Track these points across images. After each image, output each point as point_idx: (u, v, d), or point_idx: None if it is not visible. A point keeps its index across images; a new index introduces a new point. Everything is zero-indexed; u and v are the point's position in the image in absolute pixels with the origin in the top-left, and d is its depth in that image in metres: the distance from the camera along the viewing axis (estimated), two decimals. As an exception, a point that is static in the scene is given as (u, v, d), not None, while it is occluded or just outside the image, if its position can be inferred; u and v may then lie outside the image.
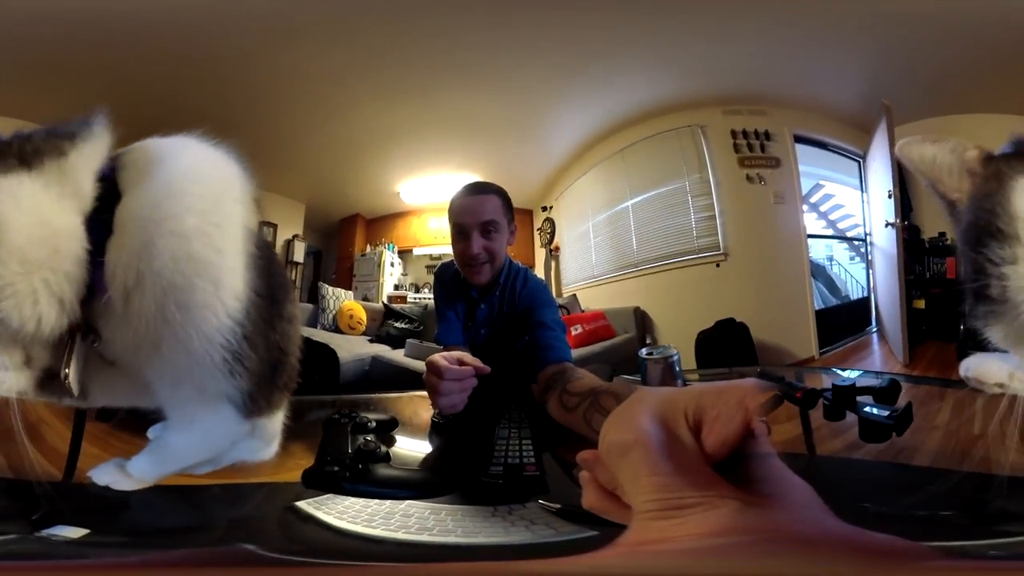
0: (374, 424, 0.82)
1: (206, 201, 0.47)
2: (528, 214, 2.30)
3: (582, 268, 2.22)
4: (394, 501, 0.66)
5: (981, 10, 1.47)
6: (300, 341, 0.65)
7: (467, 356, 0.94)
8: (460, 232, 1.18)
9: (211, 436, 0.56)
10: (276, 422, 0.68)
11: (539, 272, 2.30)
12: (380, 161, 2.24)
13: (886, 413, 0.82)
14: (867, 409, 0.83)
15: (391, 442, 0.86)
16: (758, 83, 1.77)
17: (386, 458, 0.72)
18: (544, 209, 2.30)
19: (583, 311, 2.07)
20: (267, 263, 0.53)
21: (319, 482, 0.69)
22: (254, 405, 0.54)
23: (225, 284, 0.46)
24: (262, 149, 2.26)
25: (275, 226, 2.34)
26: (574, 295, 2.14)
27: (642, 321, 1.96)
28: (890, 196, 1.65)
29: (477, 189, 1.22)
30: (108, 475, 0.59)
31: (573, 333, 1.82)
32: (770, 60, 1.70)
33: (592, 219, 2.18)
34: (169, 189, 0.47)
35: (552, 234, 2.29)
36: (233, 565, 0.56)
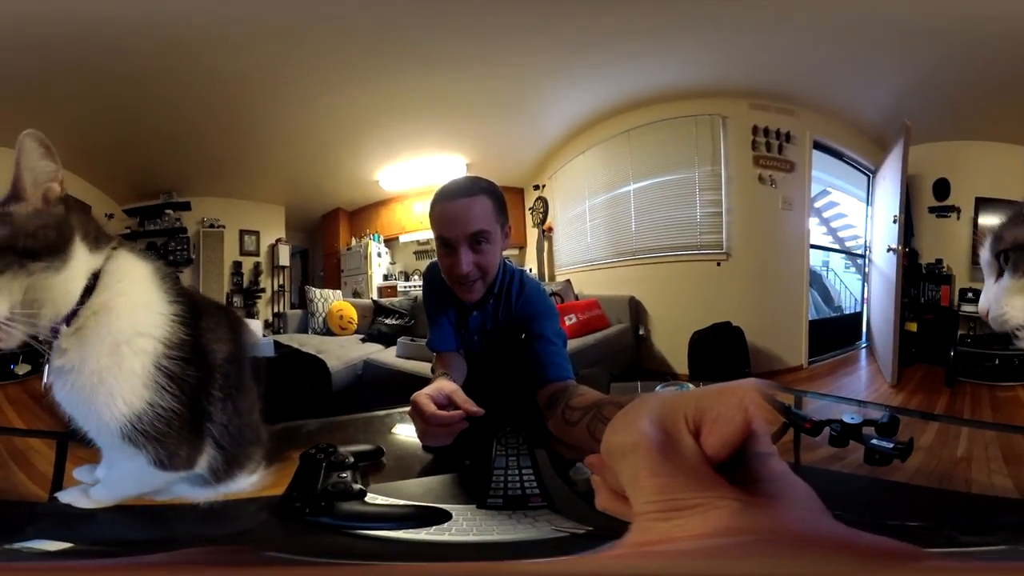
0: (351, 460, 0.80)
1: (121, 341, 0.66)
2: (519, 193, 2.27)
3: (576, 251, 2.22)
4: (374, 529, 0.68)
5: (1010, 44, 1.54)
6: (241, 409, 0.77)
7: (458, 394, 0.88)
8: (445, 245, 1.05)
9: (136, 479, 0.71)
10: (225, 470, 0.76)
11: (531, 253, 2.31)
12: (354, 150, 2.17)
13: (891, 445, 0.93)
14: (874, 441, 0.92)
15: (380, 468, 0.86)
16: (793, 81, 1.77)
17: (360, 495, 0.73)
18: (536, 188, 2.28)
19: (577, 297, 2.09)
20: (188, 364, 0.70)
21: (282, 515, 0.71)
22: (170, 463, 0.69)
23: (119, 397, 0.65)
24: (231, 159, 2.15)
25: (257, 233, 2.37)
26: (568, 280, 2.15)
27: (636, 312, 2.00)
28: (895, 221, 1.72)
29: (462, 190, 1.06)
30: (71, 496, 0.74)
31: (567, 323, 1.84)
32: (810, 59, 1.70)
33: (589, 200, 2.17)
34: (107, 329, 0.66)
35: (544, 214, 2.27)
36: (237, 565, 0.58)
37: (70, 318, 0.64)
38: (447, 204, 1.06)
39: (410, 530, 0.67)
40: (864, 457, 0.93)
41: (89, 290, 0.65)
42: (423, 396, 0.87)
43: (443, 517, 0.69)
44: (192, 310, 0.73)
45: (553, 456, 0.85)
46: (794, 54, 1.69)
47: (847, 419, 0.96)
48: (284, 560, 0.61)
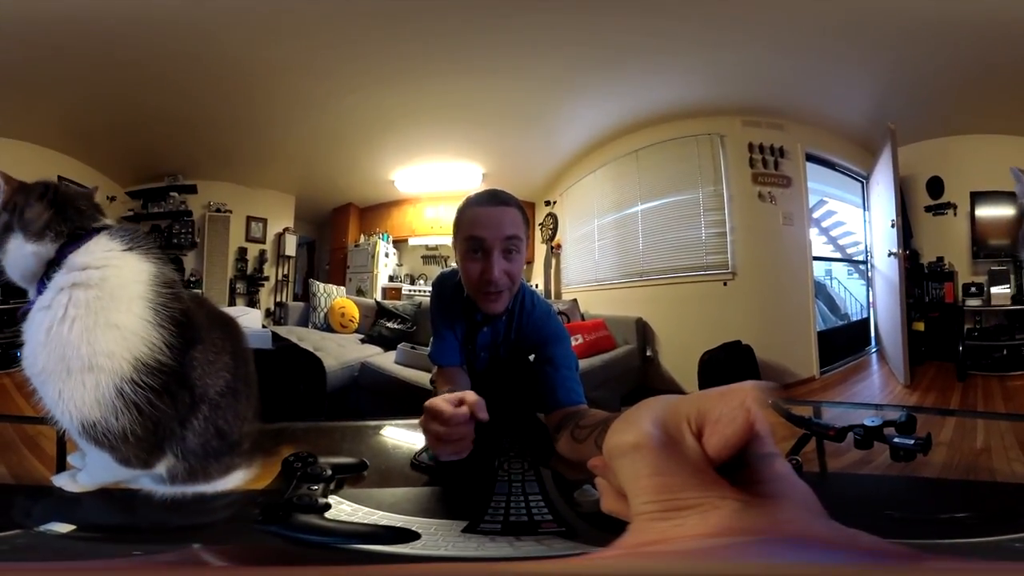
0: (328, 473, 0.80)
1: (71, 355, 0.65)
2: (531, 207, 2.35)
3: (584, 270, 2.30)
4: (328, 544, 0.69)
5: (985, 35, 1.67)
6: (224, 431, 0.78)
7: (469, 395, 0.86)
8: (476, 249, 1.04)
9: (106, 468, 0.72)
10: (185, 477, 0.76)
11: (539, 269, 2.39)
12: (373, 149, 2.26)
13: (911, 442, 1.01)
14: (896, 440, 1.01)
15: (359, 481, 0.85)
16: (779, 96, 1.89)
17: (323, 508, 0.73)
18: (547, 204, 2.38)
19: (583, 317, 2.15)
20: (161, 396, 0.69)
21: (237, 518, 0.74)
22: (125, 464, 0.71)
23: (69, 400, 0.65)
24: (243, 146, 2.24)
25: (265, 220, 2.43)
26: (575, 300, 2.21)
27: (643, 333, 2.07)
28: (893, 225, 1.82)
29: (496, 199, 1.07)
30: (62, 480, 0.77)
31: (573, 344, 1.89)
32: (791, 72, 1.82)
33: (598, 220, 2.25)
34: (59, 338, 0.65)
35: (554, 230, 2.36)
36: (253, 564, 0.61)
37: (27, 311, 0.66)
38: (482, 208, 1.06)
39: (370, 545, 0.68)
40: (890, 455, 1.01)
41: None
42: (439, 401, 0.85)
43: (411, 537, 0.68)
44: (185, 336, 0.69)
45: (556, 479, 0.85)
46: (777, 67, 1.81)
47: (868, 422, 1.04)
48: (218, 561, 0.63)
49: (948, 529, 0.80)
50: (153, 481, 0.75)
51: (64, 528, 0.67)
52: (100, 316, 0.65)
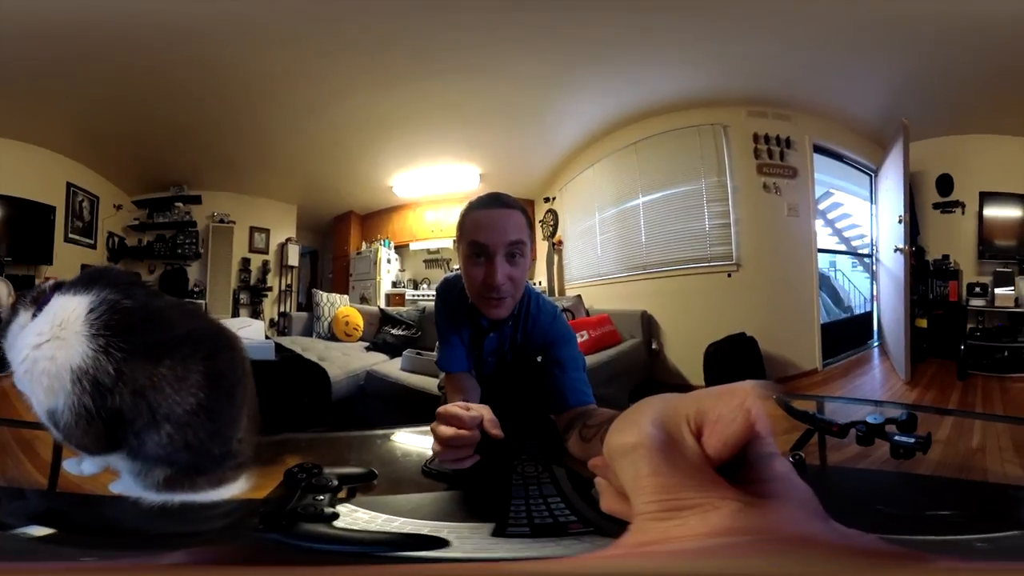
0: (335, 483, 0.80)
1: (28, 353, 0.74)
2: (530, 205, 2.38)
3: (586, 265, 2.32)
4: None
5: (1004, 35, 1.67)
6: (201, 447, 0.80)
7: (484, 412, 0.87)
8: (479, 253, 1.04)
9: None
10: (165, 484, 0.80)
11: (541, 266, 2.41)
12: (370, 155, 2.29)
13: (912, 440, 1.04)
14: (897, 438, 1.03)
15: (369, 490, 0.84)
16: (787, 86, 1.89)
17: (331, 518, 0.73)
18: (547, 200, 2.40)
19: (587, 312, 2.18)
20: (98, 416, 0.75)
21: (237, 527, 0.74)
22: (78, 444, 0.79)
23: (40, 390, 0.75)
24: (245, 155, 2.28)
25: (268, 231, 2.49)
26: (579, 296, 2.24)
27: (649, 326, 2.08)
28: (900, 221, 1.82)
29: (501, 202, 1.08)
30: (70, 466, 0.86)
31: (579, 340, 1.92)
32: (801, 64, 1.82)
33: (599, 214, 2.26)
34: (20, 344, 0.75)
35: (555, 227, 2.39)
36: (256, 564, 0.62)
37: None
38: (484, 211, 1.07)
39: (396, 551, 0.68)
40: (890, 452, 1.04)
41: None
42: (453, 407, 0.86)
43: (440, 543, 0.68)
44: (141, 353, 0.73)
45: (572, 478, 0.86)
46: (786, 58, 1.81)
47: (870, 419, 1.06)
48: (213, 565, 0.62)
49: (934, 526, 0.82)
50: (143, 487, 0.77)
51: (43, 531, 0.69)
52: (59, 333, 0.74)
